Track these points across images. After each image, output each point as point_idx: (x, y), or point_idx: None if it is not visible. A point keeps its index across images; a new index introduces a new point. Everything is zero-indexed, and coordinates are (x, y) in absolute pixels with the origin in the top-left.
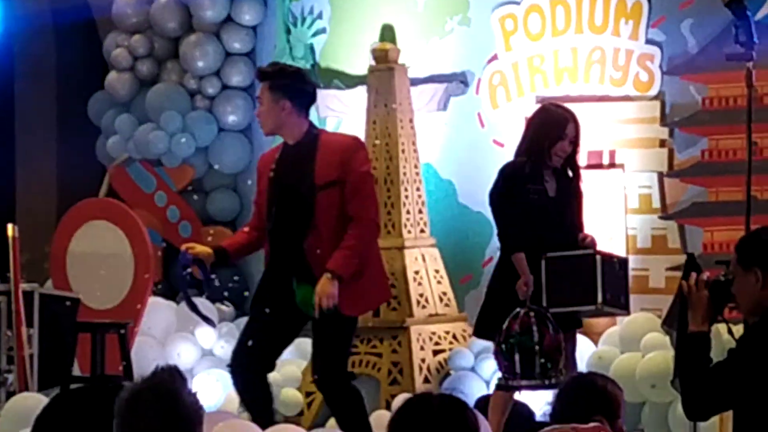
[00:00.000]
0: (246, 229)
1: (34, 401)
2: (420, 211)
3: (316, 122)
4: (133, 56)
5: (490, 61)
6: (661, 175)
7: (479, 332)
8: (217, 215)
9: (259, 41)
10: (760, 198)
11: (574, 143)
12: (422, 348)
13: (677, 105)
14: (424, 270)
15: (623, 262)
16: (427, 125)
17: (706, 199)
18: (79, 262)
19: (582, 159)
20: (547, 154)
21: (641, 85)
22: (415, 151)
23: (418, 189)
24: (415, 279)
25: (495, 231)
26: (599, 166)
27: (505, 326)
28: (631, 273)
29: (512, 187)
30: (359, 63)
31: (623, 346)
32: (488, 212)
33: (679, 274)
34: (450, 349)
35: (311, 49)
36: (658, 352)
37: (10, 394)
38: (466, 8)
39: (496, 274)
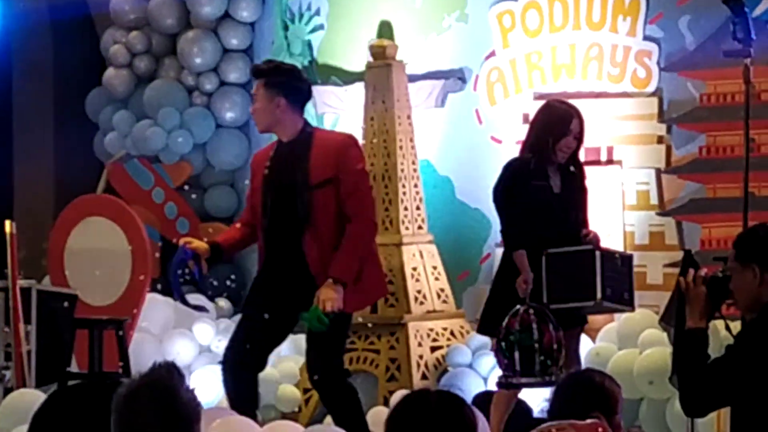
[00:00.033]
0: (238, 225)
1: (31, 397)
2: (418, 208)
3: (313, 118)
4: (131, 53)
5: (487, 57)
6: (658, 172)
7: (483, 329)
8: (215, 212)
9: (256, 38)
10: (758, 194)
11: (579, 139)
12: (420, 344)
13: (675, 101)
14: (422, 266)
15: (626, 258)
16: (425, 122)
17: (703, 196)
18: (77, 258)
19: (580, 155)
20: (552, 150)
21: (639, 81)
22: (413, 147)
23: (415, 185)
24: (412, 275)
25: (492, 227)
26: (597, 162)
27: (504, 324)
28: None
29: (516, 184)
30: (357, 59)
31: (621, 343)
32: (486, 209)
33: (676, 270)
34: (448, 346)
35: (309, 45)
36: (655, 348)
37: (7, 391)
38: (464, 5)
39: (500, 271)
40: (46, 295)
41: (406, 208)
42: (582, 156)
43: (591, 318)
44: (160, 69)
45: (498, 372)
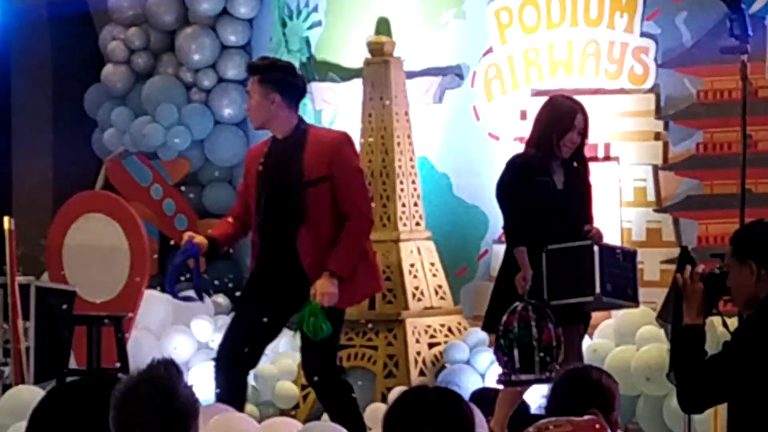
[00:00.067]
0: (230, 219)
1: (30, 394)
2: (415, 204)
3: (311, 115)
4: (129, 49)
5: (485, 54)
6: (656, 168)
7: (487, 326)
8: (213, 208)
9: (254, 34)
10: (755, 191)
11: (583, 134)
12: (418, 341)
13: (672, 98)
14: (420, 263)
15: (629, 253)
16: (423, 118)
17: (700, 192)
18: (76, 255)
19: (584, 151)
20: (556, 145)
21: (636, 78)
22: (411, 144)
23: (413, 182)
24: (410, 272)
25: (490, 224)
26: (594, 158)
27: (503, 321)
28: None
29: (519, 180)
30: (355, 56)
31: (618, 339)
32: (484, 205)
33: (673, 267)
34: (445, 342)
35: (307, 41)
36: (652, 345)
37: (6, 387)
38: (462, 1)
39: (503, 268)
40: (45, 292)
41: (403, 205)
42: None
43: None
44: (159, 65)
45: (495, 369)
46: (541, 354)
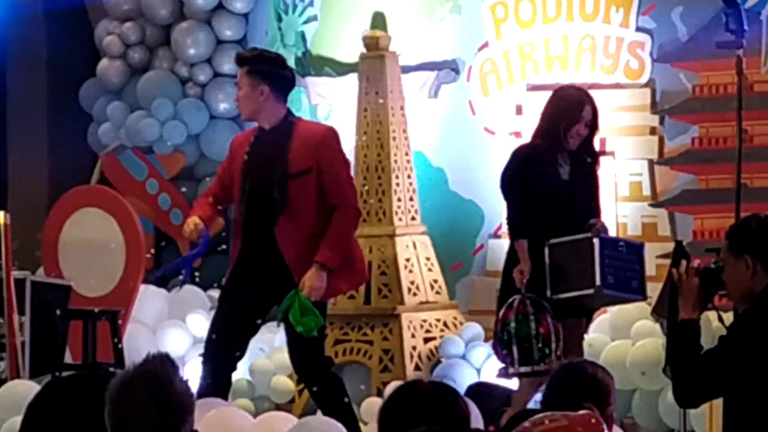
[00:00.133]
0: (210, 199)
1: (25, 388)
2: (411, 199)
3: (307, 109)
4: (125, 44)
5: (480, 48)
6: (651, 163)
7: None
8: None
9: (250, 29)
10: (751, 185)
11: (590, 126)
12: (413, 335)
13: (667, 93)
14: (415, 257)
15: (634, 246)
16: (418, 113)
17: (696, 187)
18: (71, 249)
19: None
20: (563, 136)
21: (632, 72)
22: (406, 138)
23: (409, 176)
24: (406, 266)
25: (486, 219)
26: None
27: (501, 315)
28: None
29: (523, 171)
30: (350, 50)
31: (613, 334)
32: (479, 200)
33: (669, 261)
34: (441, 337)
35: (302, 36)
36: (648, 339)
37: (1, 382)
38: None
39: (507, 262)
40: (40, 286)
41: (399, 200)
42: None
43: None
44: (154, 60)
45: (491, 363)
46: (540, 345)
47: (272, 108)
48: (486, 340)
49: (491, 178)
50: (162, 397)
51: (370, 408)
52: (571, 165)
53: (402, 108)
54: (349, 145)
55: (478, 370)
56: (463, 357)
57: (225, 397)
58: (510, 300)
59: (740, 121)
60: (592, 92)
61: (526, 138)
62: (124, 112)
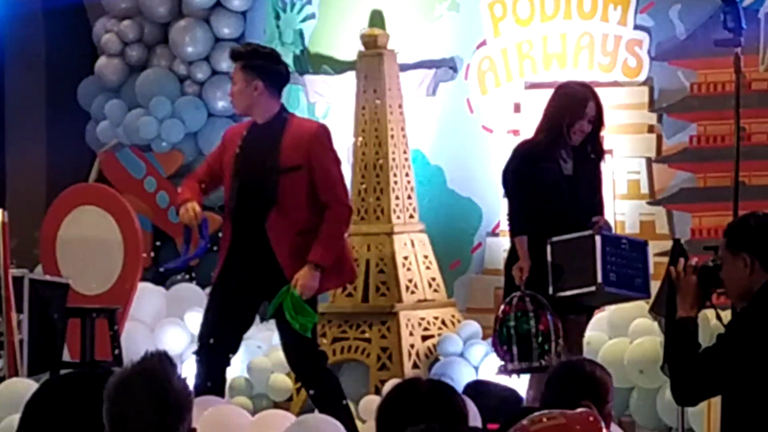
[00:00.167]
0: (201, 183)
1: (23, 387)
2: (409, 197)
3: (305, 107)
4: (123, 42)
5: (479, 46)
6: (649, 161)
7: None
8: (207, 201)
9: (248, 27)
10: (749, 183)
11: (594, 122)
12: (411, 333)
13: (666, 91)
14: (413, 255)
15: (638, 244)
16: (417, 111)
17: (694, 185)
18: (69, 247)
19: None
20: (566, 132)
21: (630, 70)
22: (404, 136)
23: (407, 174)
24: (404, 264)
25: (484, 217)
26: None
27: (500, 312)
28: None
29: (524, 166)
30: (348, 48)
31: (611, 332)
32: (477, 198)
33: (667, 259)
34: (439, 335)
35: (300, 34)
36: (646, 337)
37: None
38: None
39: (509, 259)
40: (38, 284)
41: (397, 198)
42: None
43: None
44: (152, 58)
45: (489, 361)
46: (539, 342)
47: (266, 103)
48: (484, 338)
49: (489, 177)
50: (160, 395)
51: (368, 406)
52: (574, 161)
53: (400, 106)
54: (347, 143)
55: (476, 368)
56: (461, 355)
57: (221, 394)
58: (509, 297)
59: (738, 119)
60: None
61: (525, 136)
62: (122, 110)
